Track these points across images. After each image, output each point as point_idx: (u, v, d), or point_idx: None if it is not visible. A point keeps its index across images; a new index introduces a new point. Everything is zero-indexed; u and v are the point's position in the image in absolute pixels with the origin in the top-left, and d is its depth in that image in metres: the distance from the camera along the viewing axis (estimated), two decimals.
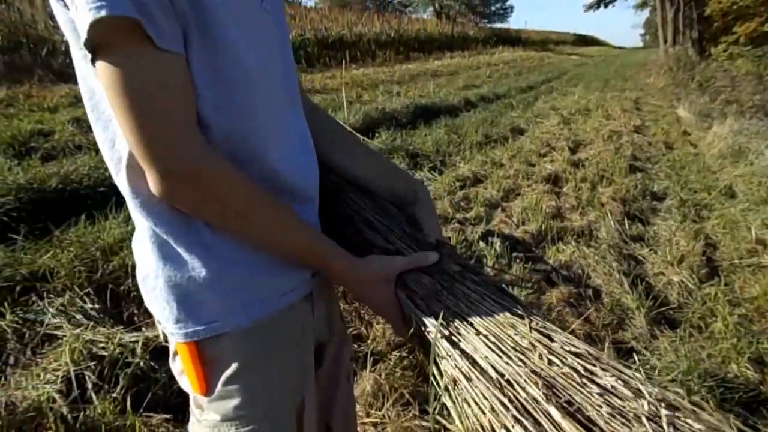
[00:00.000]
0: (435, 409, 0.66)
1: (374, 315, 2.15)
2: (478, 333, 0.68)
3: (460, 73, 13.80)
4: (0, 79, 6.47)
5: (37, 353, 1.90)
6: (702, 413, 0.54)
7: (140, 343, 1.85)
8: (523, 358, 0.64)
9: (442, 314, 0.70)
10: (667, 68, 14.02)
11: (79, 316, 2.05)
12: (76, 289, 2.19)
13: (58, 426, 1.51)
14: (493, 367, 0.64)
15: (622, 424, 0.53)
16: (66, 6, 0.58)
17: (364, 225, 0.86)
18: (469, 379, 0.65)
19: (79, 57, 0.64)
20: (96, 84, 0.64)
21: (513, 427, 0.57)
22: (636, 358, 2.04)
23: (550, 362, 0.63)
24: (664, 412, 0.53)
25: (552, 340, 0.66)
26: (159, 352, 1.84)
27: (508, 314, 0.71)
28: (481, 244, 2.99)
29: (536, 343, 0.66)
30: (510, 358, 0.64)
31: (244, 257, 0.69)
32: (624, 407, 0.55)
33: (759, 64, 10.18)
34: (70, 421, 1.55)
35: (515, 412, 0.58)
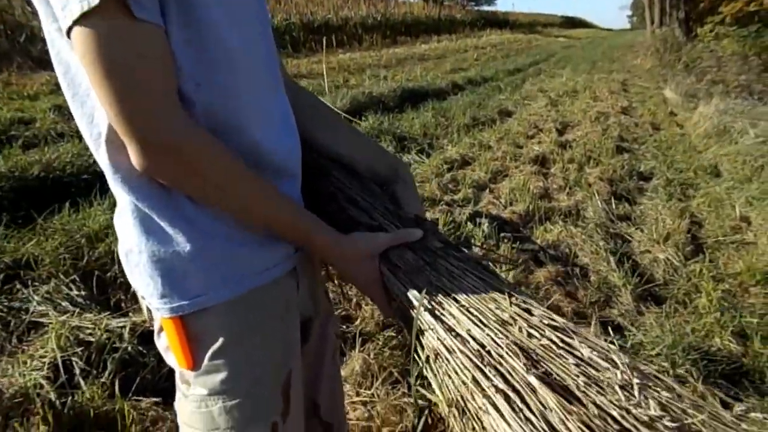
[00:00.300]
0: (416, 380, 0.67)
1: (362, 295, 2.16)
2: (460, 307, 0.69)
3: (447, 56, 13.73)
4: None
5: (23, 341, 1.89)
6: (667, 379, 0.56)
7: (128, 328, 1.85)
8: (503, 330, 0.65)
9: (425, 289, 0.71)
10: (654, 50, 14.03)
11: (65, 303, 2.04)
12: (62, 276, 2.17)
13: (46, 411, 1.51)
14: (474, 339, 0.64)
15: (598, 392, 0.55)
16: None
17: (347, 202, 0.86)
18: (451, 351, 0.65)
19: (53, 30, 0.62)
20: (71, 58, 0.62)
21: (495, 395, 0.58)
22: (623, 335, 2.07)
23: (530, 335, 0.64)
24: (635, 381, 0.55)
25: (531, 314, 0.67)
26: (147, 337, 1.83)
27: (489, 289, 0.71)
28: (470, 225, 3.00)
29: (516, 317, 0.67)
30: (491, 330, 0.65)
31: (226, 231, 0.69)
32: (599, 377, 0.57)
33: (744, 44, 10.20)
34: (58, 407, 1.55)
35: (496, 382, 0.59)
